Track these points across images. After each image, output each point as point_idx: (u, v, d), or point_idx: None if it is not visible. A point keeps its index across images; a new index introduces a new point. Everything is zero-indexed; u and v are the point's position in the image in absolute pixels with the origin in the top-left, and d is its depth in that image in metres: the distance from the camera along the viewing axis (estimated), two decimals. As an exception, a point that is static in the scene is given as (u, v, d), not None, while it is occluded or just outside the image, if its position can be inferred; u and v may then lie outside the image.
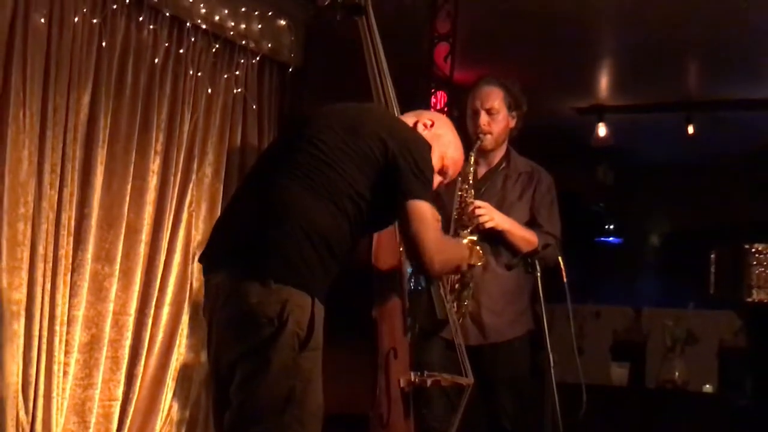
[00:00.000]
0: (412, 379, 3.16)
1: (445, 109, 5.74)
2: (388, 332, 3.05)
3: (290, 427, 2.60)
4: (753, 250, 10.22)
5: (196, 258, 4.99)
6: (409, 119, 3.11)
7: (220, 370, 2.73)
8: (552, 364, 3.65)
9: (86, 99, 4.46)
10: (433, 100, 5.91)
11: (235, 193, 3.08)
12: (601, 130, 7.80)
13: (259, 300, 2.59)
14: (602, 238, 10.53)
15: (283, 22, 5.50)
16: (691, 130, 7.65)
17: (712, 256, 10.34)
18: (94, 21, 4.45)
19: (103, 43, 4.51)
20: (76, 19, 4.34)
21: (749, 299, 10.04)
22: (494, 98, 4.10)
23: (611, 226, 10.45)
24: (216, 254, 2.82)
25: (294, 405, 2.60)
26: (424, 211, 2.77)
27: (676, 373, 5.88)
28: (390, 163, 2.77)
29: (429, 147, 2.94)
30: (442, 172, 3.13)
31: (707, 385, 6.04)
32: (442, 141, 3.11)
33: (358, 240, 2.89)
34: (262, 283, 2.60)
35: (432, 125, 3.11)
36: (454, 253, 3.08)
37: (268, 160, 2.96)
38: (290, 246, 2.64)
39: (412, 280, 3.97)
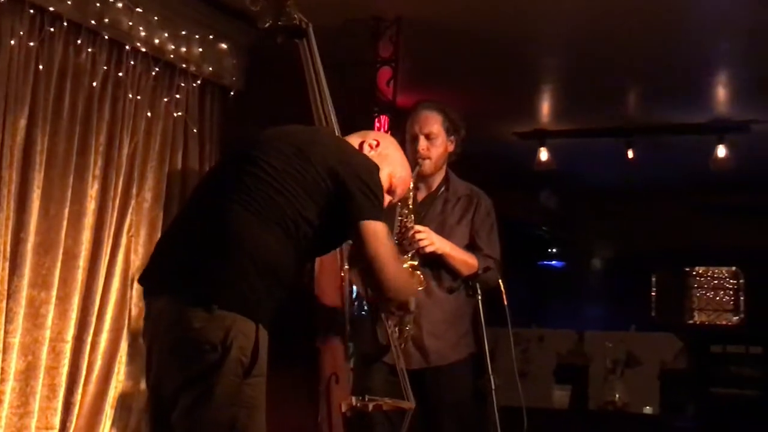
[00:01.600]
0: (354, 404, 3.14)
1: (388, 132, 5.74)
2: (330, 357, 3.03)
3: None
4: (694, 272, 10.43)
5: (136, 283, 4.94)
6: (354, 140, 3.10)
7: (162, 397, 2.68)
8: (494, 387, 3.67)
9: (23, 122, 4.40)
10: (376, 124, 5.93)
11: (178, 215, 3.04)
12: (543, 154, 7.85)
13: (203, 326, 2.56)
14: (545, 262, 10.60)
15: (224, 46, 5.49)
16: (630, 154, 7.73)
17: (653, 279, 10.53)
18: (31, 44, 4.40)
19: (40, 67, 4.46)
20: (12, 42, 4.30)
21: (690, 321, 10.25)
22: (433, 123, 4.11)
23: (554, 250, 10.53)
24: (158, 278, 2.77)
25: None
26: (379, 230, 2.79)
27: (617, 395, 5.92)
28: (340, 189, 2.77)
29: (377, 169, 2.94)
30: (391, 191, 3.13)
31: (647, 407, 6.08)
32: (389, 160, 3.11)
33: (304, 265, 2.88)
34: (206, 309, 2.56)
35: (378, 145, 3.12)
36: (409, 282, 3.08)
37: (213, 182, 2.93)
38: (235, 272, 2.62)
39: (356, 305, 3.96)
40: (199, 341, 2.56)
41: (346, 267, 3.25)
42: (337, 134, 3.27)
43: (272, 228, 2.68)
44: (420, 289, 3.94)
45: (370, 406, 3.19)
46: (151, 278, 2.81)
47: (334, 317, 3.12)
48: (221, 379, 2.55)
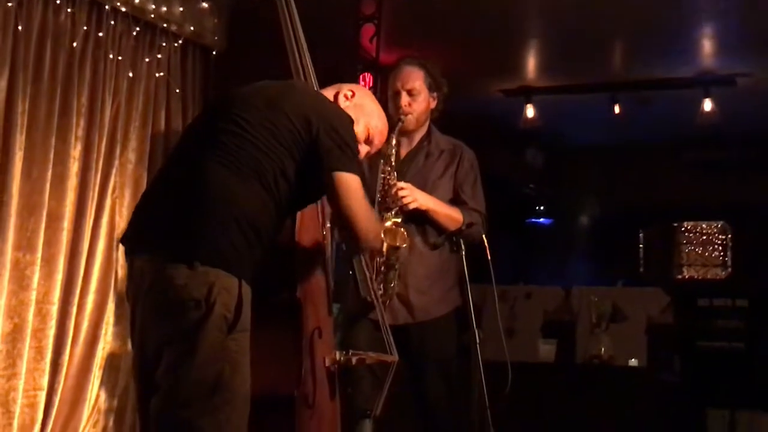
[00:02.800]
0: (338, 359, 3.15)
1: (371, 90, 5.73)
2: (313, 312, 3.03)
3: (219, 410, 2.58)
4: (682, 228, 10.45)
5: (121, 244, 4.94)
6: (329, 92, 3.11)
7: (146, 355, 2.69)
8: (478, 341, 3.68)
9: (3, 84, 4.40)
10: (361, 81, 5.91)
11: (157, 174, 3.03)
12: (529, 111, 7.83)
13: (186, 283, 2.56)
14: (533, 220, 10.59)
15: (205, 5, 5.46)
16: (617, 109, 7.72)
17: (641, 235, 10.54)
18: (9, 4, 4.38)
19: (20, 27, 4.44)
20: (-10, 3, 4.27)
21: (679, 277, 10.28)
22: (415, 79, 4.10)
23: (542, 208, 10.52)
24: (140, 236, 2.77)
25: (223, 388, 2.58)
26: (352, 182, 2.79)
27: (602, 349, 5.94)
28: (314, 140, 2.77)
29: (352, 121, 2.94)
30: (368, 141, 3.13)
31: (633, 360, 6.12)
32: (365, 110, 3.11)
33: (284, 220, 2.87)
34: (189, 266, 2.57)
35: (353, 95, 3.12)
36: (379, 226, 3.08)
37: (190, 140, 2.92)
38: (217, 229, 2.62)
39: (341, 263, 3.97)
40: (183, 298, 2.57)
41: (328, 225, 3.25)
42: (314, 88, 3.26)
43: (251, 183, 2.68)
44: (404, 246, 3.95)
45: (354, 360, 3.20)
46: (132, 237, 2.81)
47: (316, 272, 3.12)
48: (205, 335, 2.56)
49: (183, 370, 2.57)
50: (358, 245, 2.93)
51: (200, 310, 2.57)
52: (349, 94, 3.11)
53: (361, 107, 3.09)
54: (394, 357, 3.40)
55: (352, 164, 2.82)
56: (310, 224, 3.16)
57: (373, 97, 3.23)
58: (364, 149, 3.09)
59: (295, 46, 3.31)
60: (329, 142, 2.77)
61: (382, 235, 3.74)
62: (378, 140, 3.18)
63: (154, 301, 2.65)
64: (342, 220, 2.82)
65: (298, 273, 3.05)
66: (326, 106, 2.92)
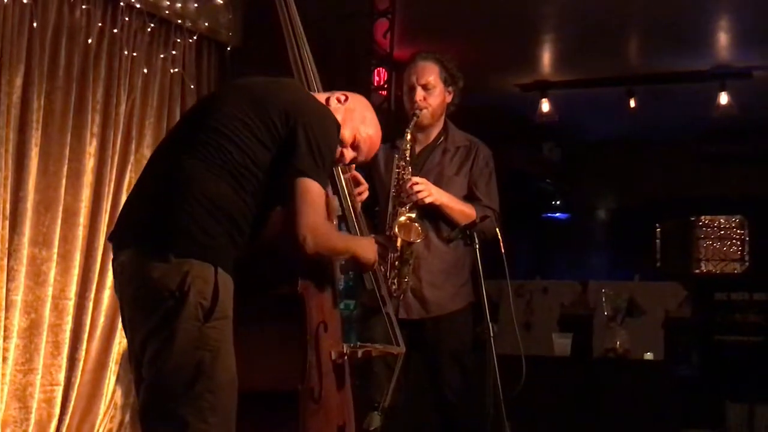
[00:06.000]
0: (344, 351, 3.13)
1: (386, 85, 5.73)
2: (316, 306, 3.00)
3: (202, 398, 2.57)
4: (700, 222, 10.41)
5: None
6: (321, 96, 3.06)
7: (134, 349, 2.71)
8: (492, 335, 3.67)
9: (19, 81, 4.42)
10: (375, 77, 5.91)
11: (141, 172, 3.04)
12: (545, 106, 7.82)
13: (161, 275, 2.57)
14: (549, 214, 10.57)
15: (220, 1, 5.48)
16: (632, 103, 7.70)
17: (658, 229, 10.51)
18: (25, 1, 4.40)
19: (35, 24, 4.47)
20: (5, 0, 4.28)
21: (697, 271, 10.24)
22: (430, 73, 4.09)
23: (558, 202, 10.50)
24: (122, 233, 2.79)
25: (204, 376, 2.58)
26: (312, 190, 2.73)
27: (618, 343, 5.92)
28: (290, 136, 2.74)
29: (336, 127, 2.90)
30: (354, 146, 3.07)
31: (648, 353, 6.10)
32: (355, 115, 3.06)
33: (265, 211, 2.85)
34: (164, 259, 2.58)
35: (345, 99, 3.07)
36: (336, 240, 3.00)
37: (171, 135, 2.96)
38: (188, 218, 2.63)
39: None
40: (158, 290, 2.58)
41: (335, 221, 3.23)
42: (315, 84, 3.24)
43: (225, 176, 2.67)
44: (419, 241, 3.95)
45: (360, 353, 3.18)
46: (116, 235, 2.82)
47: (319, 266, 3.07)
48: (181, 324, 2.57)
49: (163, 360, 2.58)
50: (296, 250, 2.85)
51: (174, 299, 2.57)
52: (342, 98, 3.06)
53: (351, 111, 3.04)
54: (400, 348, 3.38)
55: (319, 172, 2.76)
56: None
57: (371, 107, 3.16)
58: (349, 154, 3.05)
59: (294, 41, 3.29)
60: (303, 143, 2.72)
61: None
62: (366, 147, 3.10)
63: (134, 296, 2.66)
64: (288, 222, 2.74)
65: (299, 267, 3.02)
66: (312, 107, 2.87)
